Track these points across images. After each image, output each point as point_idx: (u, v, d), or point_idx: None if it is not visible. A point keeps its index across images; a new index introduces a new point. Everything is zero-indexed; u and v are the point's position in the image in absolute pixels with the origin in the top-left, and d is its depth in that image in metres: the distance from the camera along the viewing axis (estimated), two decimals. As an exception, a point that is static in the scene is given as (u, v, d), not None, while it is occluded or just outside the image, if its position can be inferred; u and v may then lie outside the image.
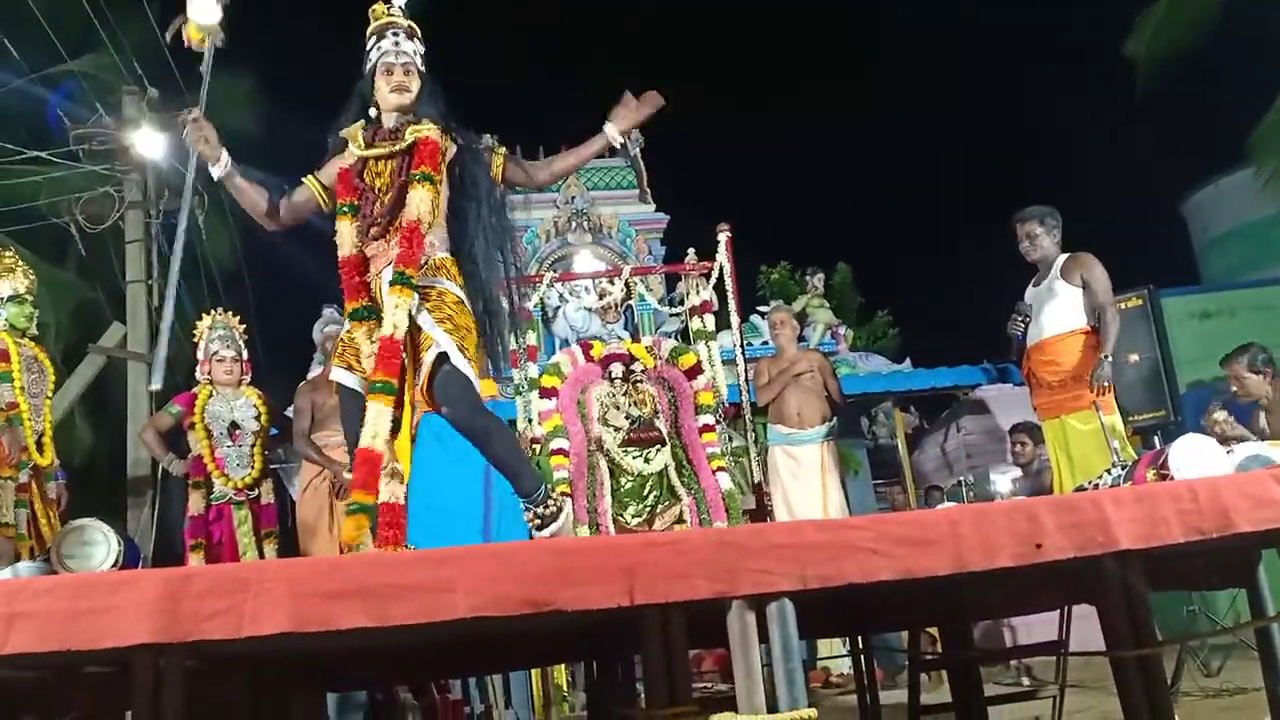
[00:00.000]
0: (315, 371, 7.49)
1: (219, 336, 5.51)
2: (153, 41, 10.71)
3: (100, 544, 4.32)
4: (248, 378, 5.57)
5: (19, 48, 10.56)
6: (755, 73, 39.00)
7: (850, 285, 16.09)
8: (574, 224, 10.92)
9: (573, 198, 10.92)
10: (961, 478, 9.11)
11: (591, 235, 11.20)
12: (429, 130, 3.42)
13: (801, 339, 7.53)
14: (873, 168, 32.84)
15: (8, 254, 5.35)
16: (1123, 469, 3.75)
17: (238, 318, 5.62)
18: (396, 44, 3.48)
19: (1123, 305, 6.14)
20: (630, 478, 5.63)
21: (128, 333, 9.65)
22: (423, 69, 3.54)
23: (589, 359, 5.90)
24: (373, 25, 3.56)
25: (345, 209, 3.42)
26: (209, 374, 5.45)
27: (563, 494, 5.39)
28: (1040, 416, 5.35)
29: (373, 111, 3.51)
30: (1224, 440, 5.04)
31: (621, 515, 5.54)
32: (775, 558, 2.25)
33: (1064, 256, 5.17)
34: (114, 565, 4.20)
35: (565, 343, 10.93)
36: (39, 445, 5.09)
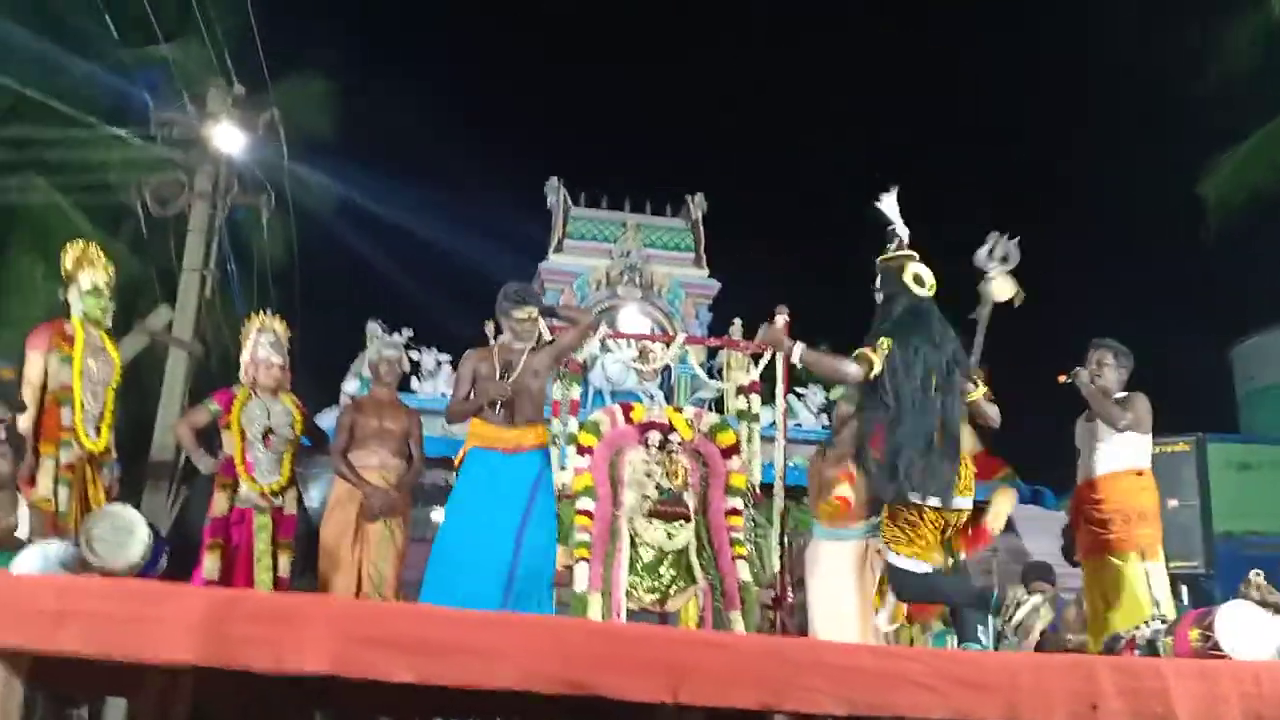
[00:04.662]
0: (352, 385, 7.49)
1: (270, 342, 5.51)
2: (246, 38, 10.94)
3: (131, 532, 4.31)
4: (288, 384, 5.58)
5: (115, 25, 10.78)
6: (819, 149, 39.31)
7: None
8: (625, 277, 10.91)
9: (628, 251, 10.92)
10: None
11: (641, 291, 11.19)
12: None
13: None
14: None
15: (92, 247, 5.42)
16: (1162, 622, 3.69)
17: (284, 324, 5.64)
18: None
19: (1169, 449, 6.07)
20: (650, 549, 5.53)
21: (174, 318, 9.69)
22: None
23: (629, 420, 5.84)
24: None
25: None
26: (254, 377, 5.46)
27: (580, 558, 5.32)
28: (1081, 555, 5.27)
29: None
30: (1263, 605, 4.97)
31: (635, 590, 5.44)
32: (826, 677, 2.20)
33: (1119, 395, 5.16)
34: (143, 556, 4.19)
35: (599, 393, 10.86)
36: (96, 430, 5.14)
